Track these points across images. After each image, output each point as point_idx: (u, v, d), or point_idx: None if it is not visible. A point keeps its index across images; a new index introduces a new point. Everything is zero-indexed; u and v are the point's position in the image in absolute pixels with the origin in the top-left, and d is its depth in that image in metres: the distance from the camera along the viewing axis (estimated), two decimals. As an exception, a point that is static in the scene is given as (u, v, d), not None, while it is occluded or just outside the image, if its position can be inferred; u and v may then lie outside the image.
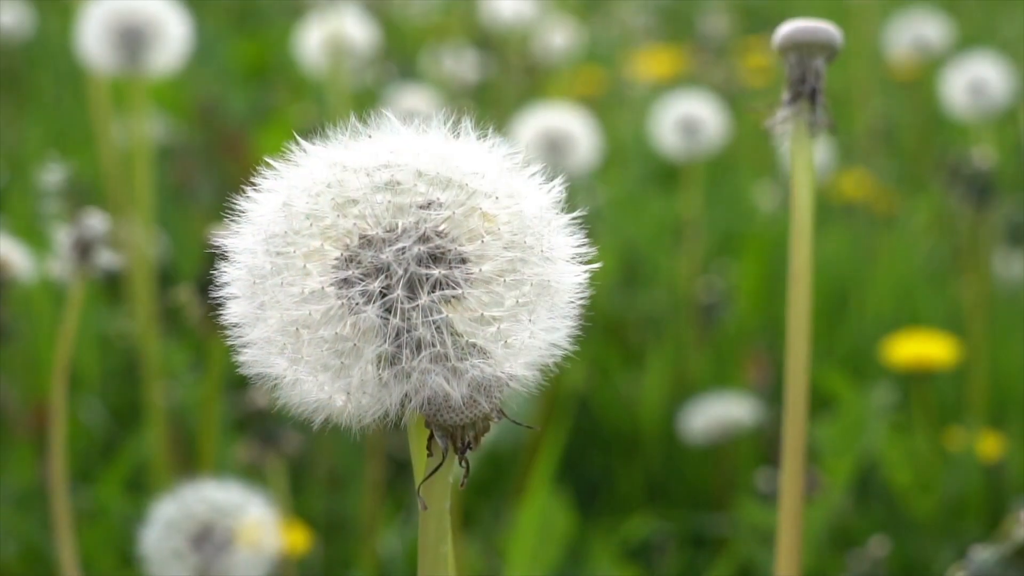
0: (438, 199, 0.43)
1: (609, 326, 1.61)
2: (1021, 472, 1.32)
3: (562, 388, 1.38)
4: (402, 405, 0.42)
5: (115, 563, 1.19)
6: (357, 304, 0.43)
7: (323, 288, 0.43)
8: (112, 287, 1.57)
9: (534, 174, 0.45)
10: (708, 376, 1.51)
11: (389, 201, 0.43)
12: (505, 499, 1.34)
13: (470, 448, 0.43)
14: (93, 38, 1.28)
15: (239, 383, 1.32)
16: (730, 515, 1.29)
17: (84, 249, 0.82)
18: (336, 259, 0.44)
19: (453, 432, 0.42)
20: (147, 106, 1.34)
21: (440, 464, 0.43)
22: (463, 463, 0.43)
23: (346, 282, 0.43)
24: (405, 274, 0.43)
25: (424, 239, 0.43)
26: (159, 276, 1.41)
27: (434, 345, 0.42)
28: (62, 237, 0.83)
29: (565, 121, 1.59)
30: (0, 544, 1.19)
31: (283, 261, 0.44)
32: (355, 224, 0.43)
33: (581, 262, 0.44)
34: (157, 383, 1.22)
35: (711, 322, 1.55)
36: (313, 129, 0.46)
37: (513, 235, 0.43)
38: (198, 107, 2.15)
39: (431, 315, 0.42)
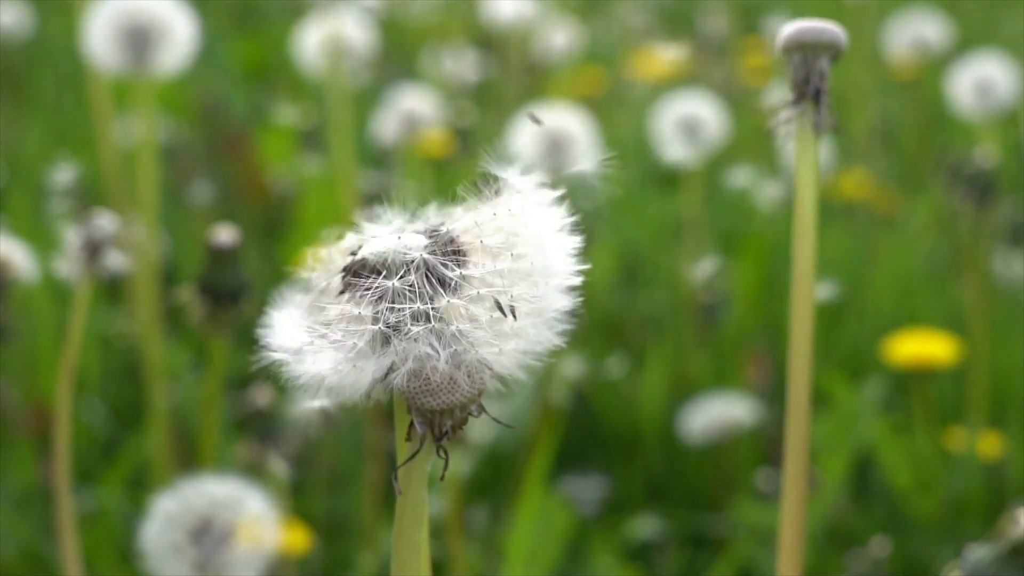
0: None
1: (609, 326, 1.61)
2: (1022, 472, 1.32)
3: (561, 388, 1.39)
4: (381, 378, 0.43)
5: (116, 563, 1.19)
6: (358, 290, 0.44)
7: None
8: (112, 287, 1.57)
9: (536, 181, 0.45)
10: (708, 376, 1.51)
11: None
12: (505, 499, 1.34)
13: (447, 437, 0.43)
14: (99, 38, 1.28)
15: (240, 383, 1.33)
16: (730, 515, 1.29)
17: (93, 250, 0.82)
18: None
19: (431, 418, 0.43)
20: (152, 107, 1.34)
21: (417, 451, 0.44)
22: (441, 453, 0.44)
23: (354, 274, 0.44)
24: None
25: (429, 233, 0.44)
26: (160, 276, 1.41)
27: (419, 323, 0.43)
28: (71, 237, 0.83)
29: (565, 121, 1.58)
30: (0, 545, 1.19)
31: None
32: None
33: (576, 271, 0.44)
34: (159, 383, 1.22)
35: (711, 322, 1.55)
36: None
37: (512, 236, 0.44)
38: (198, 107, 2.15)
39: (422, 300, 0.43)
